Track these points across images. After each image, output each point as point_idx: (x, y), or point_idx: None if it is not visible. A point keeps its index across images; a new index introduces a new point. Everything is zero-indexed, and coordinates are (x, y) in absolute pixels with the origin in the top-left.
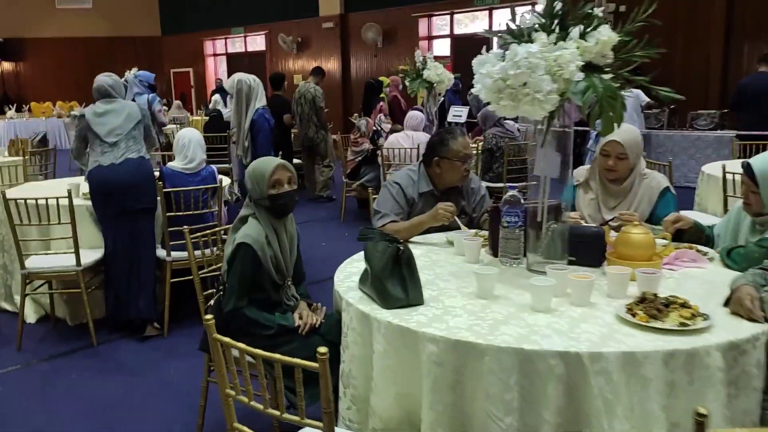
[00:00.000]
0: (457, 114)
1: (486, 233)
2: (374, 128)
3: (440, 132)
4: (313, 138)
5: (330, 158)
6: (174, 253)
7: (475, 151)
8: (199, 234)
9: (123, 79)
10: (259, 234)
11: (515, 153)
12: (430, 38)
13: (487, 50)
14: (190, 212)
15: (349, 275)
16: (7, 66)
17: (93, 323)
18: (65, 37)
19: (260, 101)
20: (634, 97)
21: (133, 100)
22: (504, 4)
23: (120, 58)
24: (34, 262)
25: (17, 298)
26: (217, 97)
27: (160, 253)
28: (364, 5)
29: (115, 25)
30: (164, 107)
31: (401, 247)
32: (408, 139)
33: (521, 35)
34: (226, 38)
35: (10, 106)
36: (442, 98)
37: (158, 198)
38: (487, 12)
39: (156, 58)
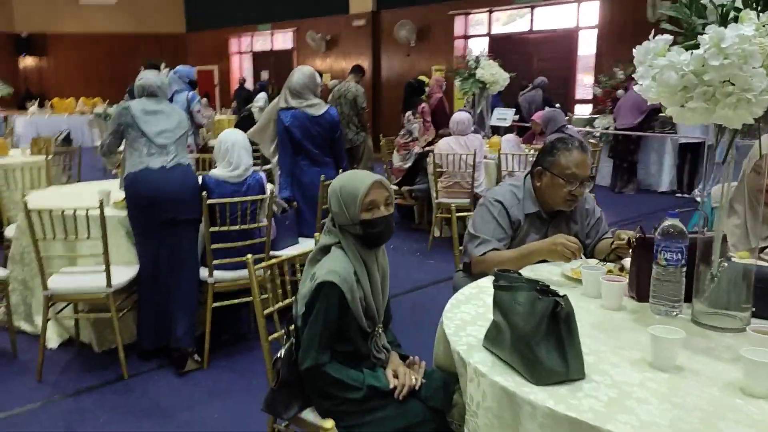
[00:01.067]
0: (502, 117)
1: (612, 265)
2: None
3: (555, 140)
4: (353, 140)
5: (368, 162)
6: (217, 273)
7: (533, 158)
8: (263, 264)
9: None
10: (347, 270)
11: None
12: (467, 37)
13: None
14: (237, 227)
15: (462, 326)
16: (30, 61)
17: (123, 350)
18: (89, 33)
19: (288, 101)
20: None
21: (171, 98)
22: (546, 2)
23: (144, 55)
24: (57, 282)
25: (37, 319)
26: (262, 94)
27: (202, 273)
28: (397, 2)
29: (140, 21)
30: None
31: (561, 302)
32: (461, 146)
33: (710, 14)
34: (252, 35)
35: (33, 102)
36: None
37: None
38: (526, 10)
39: (180, 56)
